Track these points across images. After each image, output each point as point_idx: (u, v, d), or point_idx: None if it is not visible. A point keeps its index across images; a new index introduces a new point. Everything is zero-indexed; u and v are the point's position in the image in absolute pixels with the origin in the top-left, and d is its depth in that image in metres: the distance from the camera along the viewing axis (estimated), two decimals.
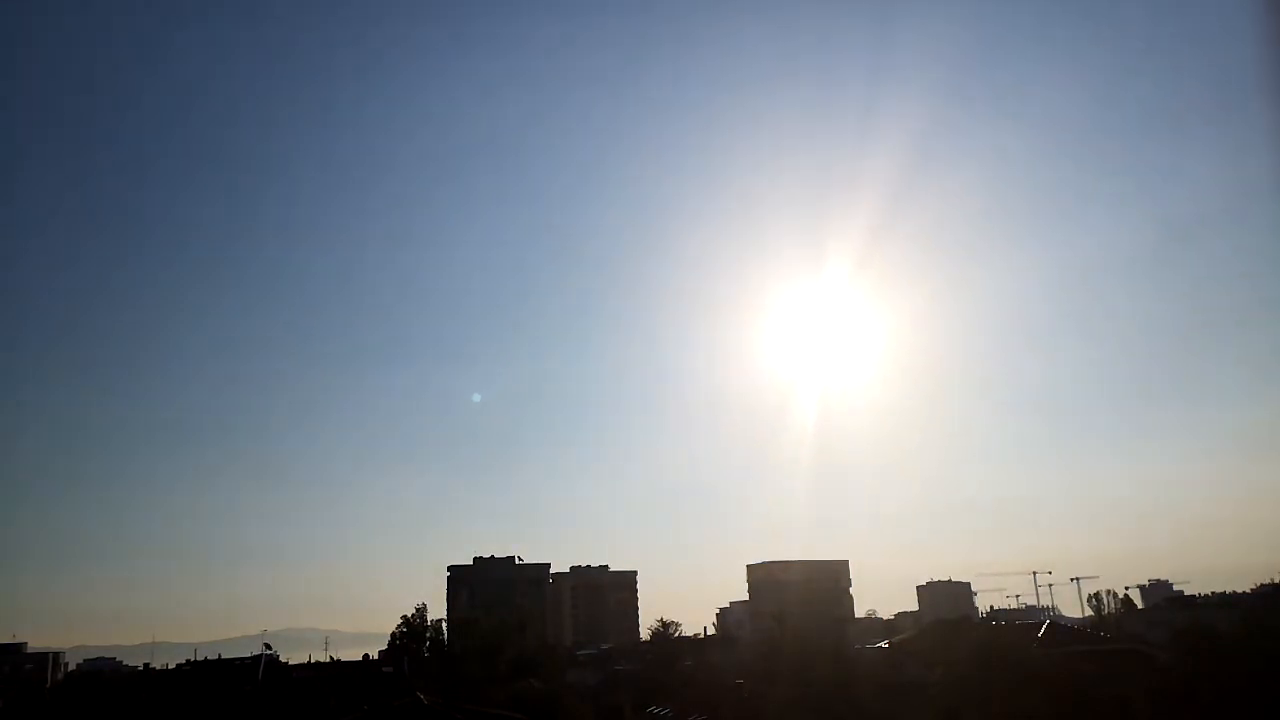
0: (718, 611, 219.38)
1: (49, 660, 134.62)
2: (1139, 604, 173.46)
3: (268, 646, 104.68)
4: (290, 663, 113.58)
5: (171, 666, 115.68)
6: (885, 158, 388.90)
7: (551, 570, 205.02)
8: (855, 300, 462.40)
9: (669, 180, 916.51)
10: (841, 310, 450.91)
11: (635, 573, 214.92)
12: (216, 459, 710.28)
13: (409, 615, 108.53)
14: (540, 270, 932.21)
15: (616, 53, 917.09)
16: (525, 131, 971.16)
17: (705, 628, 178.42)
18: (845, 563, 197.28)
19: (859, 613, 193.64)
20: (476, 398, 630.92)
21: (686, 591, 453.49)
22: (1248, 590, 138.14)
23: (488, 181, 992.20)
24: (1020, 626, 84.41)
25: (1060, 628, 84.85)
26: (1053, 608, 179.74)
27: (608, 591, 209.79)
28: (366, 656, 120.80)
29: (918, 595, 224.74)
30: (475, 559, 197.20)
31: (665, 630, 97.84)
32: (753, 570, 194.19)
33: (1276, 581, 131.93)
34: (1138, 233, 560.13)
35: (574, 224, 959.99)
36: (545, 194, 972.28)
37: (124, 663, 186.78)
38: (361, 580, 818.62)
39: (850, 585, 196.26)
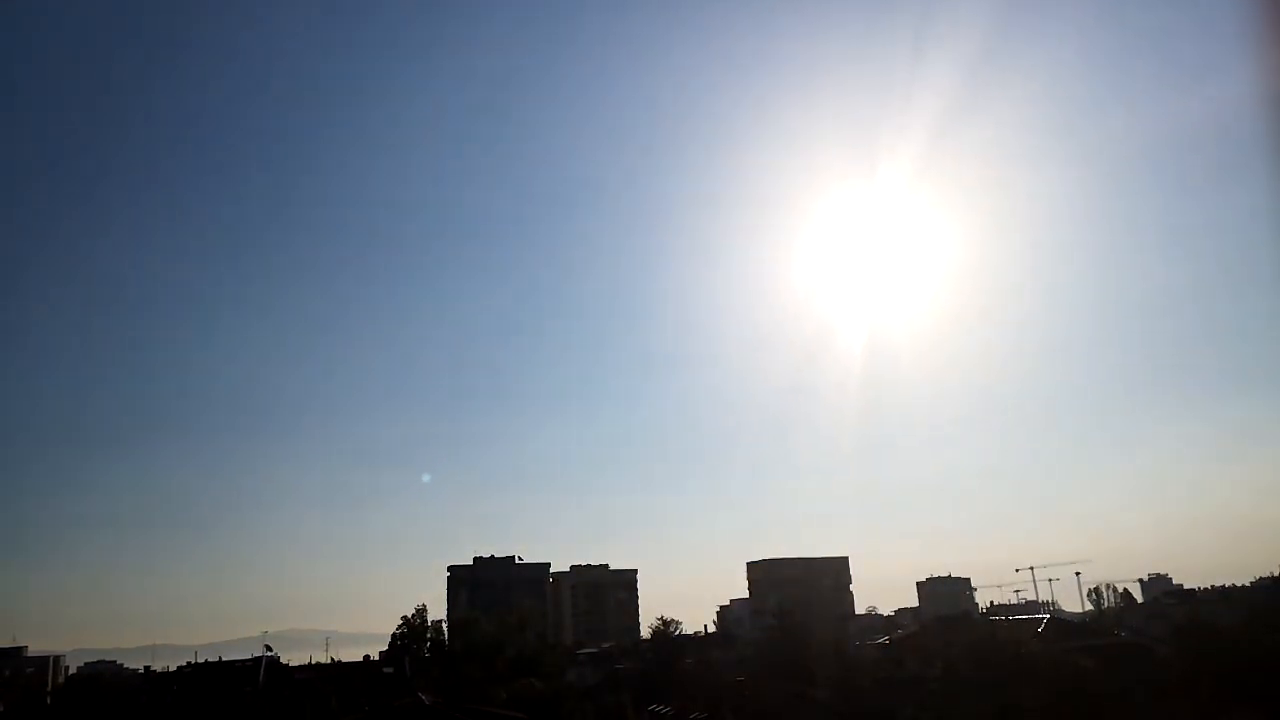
0: (718, 609, 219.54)
1: (50, 663, 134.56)
2: (1138, 598, 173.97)
3: (268, 648, 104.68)
4: (291, 664, 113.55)
5: (172, 669, 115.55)
6: (952, 51, 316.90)
7: (551, 569, 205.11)
8: (913, 212, 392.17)
9: (690, 69, 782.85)
10: (897, 225, 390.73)
11: (635, 571, 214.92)
12: (216, 460, 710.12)
13: (409, 615, 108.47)
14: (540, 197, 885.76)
15: None
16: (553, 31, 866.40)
17: (706, 625, 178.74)
18: (845, 559, 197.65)
19: (859, 609, 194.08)
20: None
21: (687, 590, 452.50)
22: (1247, 584, 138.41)
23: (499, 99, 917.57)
24: (1020, 622, 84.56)
25: (1060, 623, 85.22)
26: (1053, 603, 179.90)
27: (608, 590, 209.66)
28: (367, 657, 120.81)
29: (918, 591, 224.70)
30: (475, 559, 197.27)
31: (666, 628, 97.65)
32: (753, 568, 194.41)
33: (1276, 575, 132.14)
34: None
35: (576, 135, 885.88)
36: (553, 96, 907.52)
37: (125, 665, 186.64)
38: (362, 581, 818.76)
39: (850, 582, 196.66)
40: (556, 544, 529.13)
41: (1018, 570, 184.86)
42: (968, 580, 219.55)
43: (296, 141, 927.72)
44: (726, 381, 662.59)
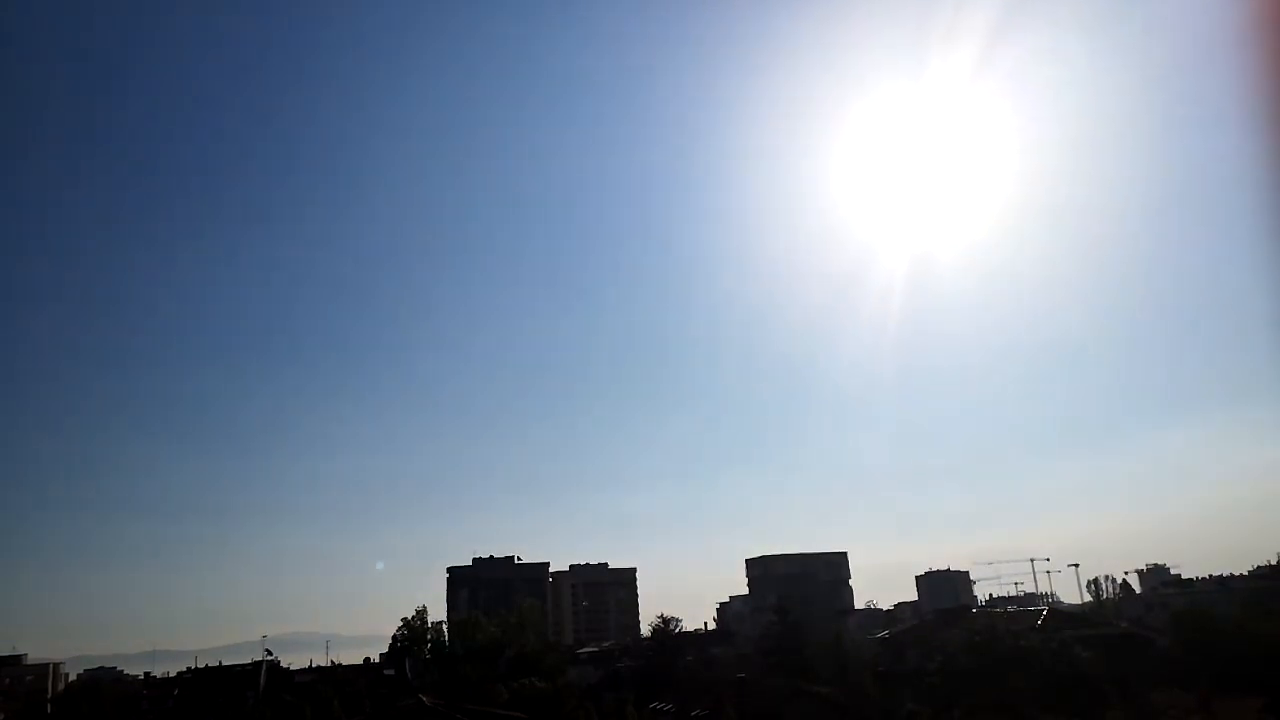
0: (718, 606, 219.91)
1: (49, 671, 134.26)
2: (1137, 589, 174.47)
3: (269, 651, 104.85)
4: (292, 667, 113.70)
5: (173, 674, 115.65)
6: None
7: (551, 569, 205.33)
8: (971, 116, 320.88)
9: None
10: (950, 132, 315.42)
11: (635, 569, 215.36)
12: (214, 463, 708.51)
13: (409, 617, 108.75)
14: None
15: None
16: None
17: (705, 623, 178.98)
18: (844, 554, 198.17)
19: (858, 603, 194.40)
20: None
21: (686, 587, 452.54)
22: (1245, 573, 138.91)
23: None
24: (1020, 614, 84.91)
25: (1059, 614, 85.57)
26: (1051, 594, 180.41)
27: (607, 589, 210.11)
28: (368, 659, 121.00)
29: (917, 585, 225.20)
30: (475, 559, 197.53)
31: (666, 626, 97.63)
32: (751, 564, 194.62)
33: (1274, 563, 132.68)
34: None
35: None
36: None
37: (125, 671, 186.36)
38: (361, 583, 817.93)
39: (849, 577, 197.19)
40: (556, 543, 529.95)
41: (1017, 563, 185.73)
42: (967, 573, 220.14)
43: (292, 140, 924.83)
44: (736, 351, 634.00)
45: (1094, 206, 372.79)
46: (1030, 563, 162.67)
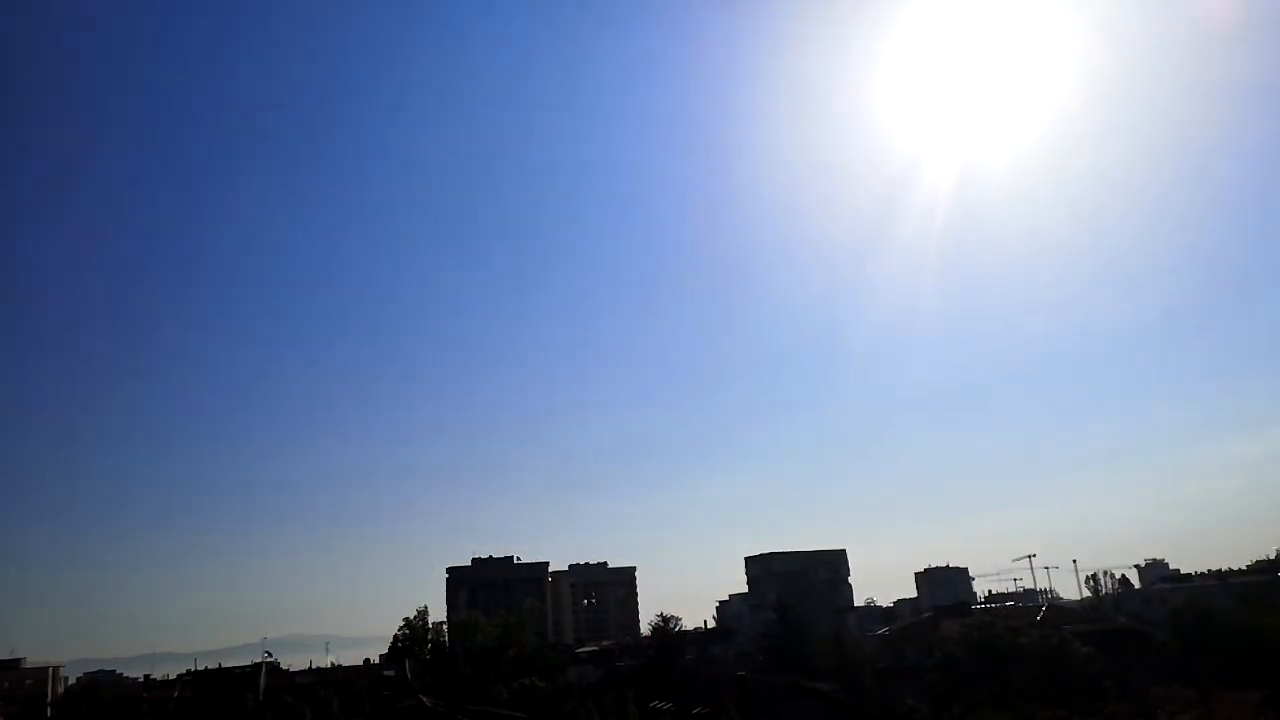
0: (717, 604, 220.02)
1: (48, 674, 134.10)
2: (1136, 584, 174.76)
3: (268, 653, 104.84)
4: (292, 669, 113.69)
5: (172, 676, 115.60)
6: None
7: (551, 569, 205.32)
8: (1025, 19, 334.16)
9: None
10: (1002, 36, 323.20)
11: (634, 568, 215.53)
12: (212, 467, 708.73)
13: (410, 618, 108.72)
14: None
15: None
16: None
17: (705, 621, 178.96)
18: (843, 551, 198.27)
19: (858, 601, 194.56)
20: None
21: (685, 586, 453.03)
22: (1243, 567, 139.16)
23: None
24: (1019, 610, 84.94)
25: (1058, 610, 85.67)
26: (1050, 590, 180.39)
27: (607, 588, 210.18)
28: (368, 660, 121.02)
29: (916, 582, 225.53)
30: (474, 560, 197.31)
31: (665, 625, 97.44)
32: (751, 562, 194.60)
33: (1271, 558, 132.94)
34: None
35: None
36: None
37: (124, 674, 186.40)
38: (361, 584, 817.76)
39: (849, 574, 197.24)
40: (555, 543, 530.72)
41: (1015, 559, 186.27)
42: (965, 570, 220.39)
43: (298, 142, 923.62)
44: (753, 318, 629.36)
45: (1147, 125, 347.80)
46: (1029, 559, 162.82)
